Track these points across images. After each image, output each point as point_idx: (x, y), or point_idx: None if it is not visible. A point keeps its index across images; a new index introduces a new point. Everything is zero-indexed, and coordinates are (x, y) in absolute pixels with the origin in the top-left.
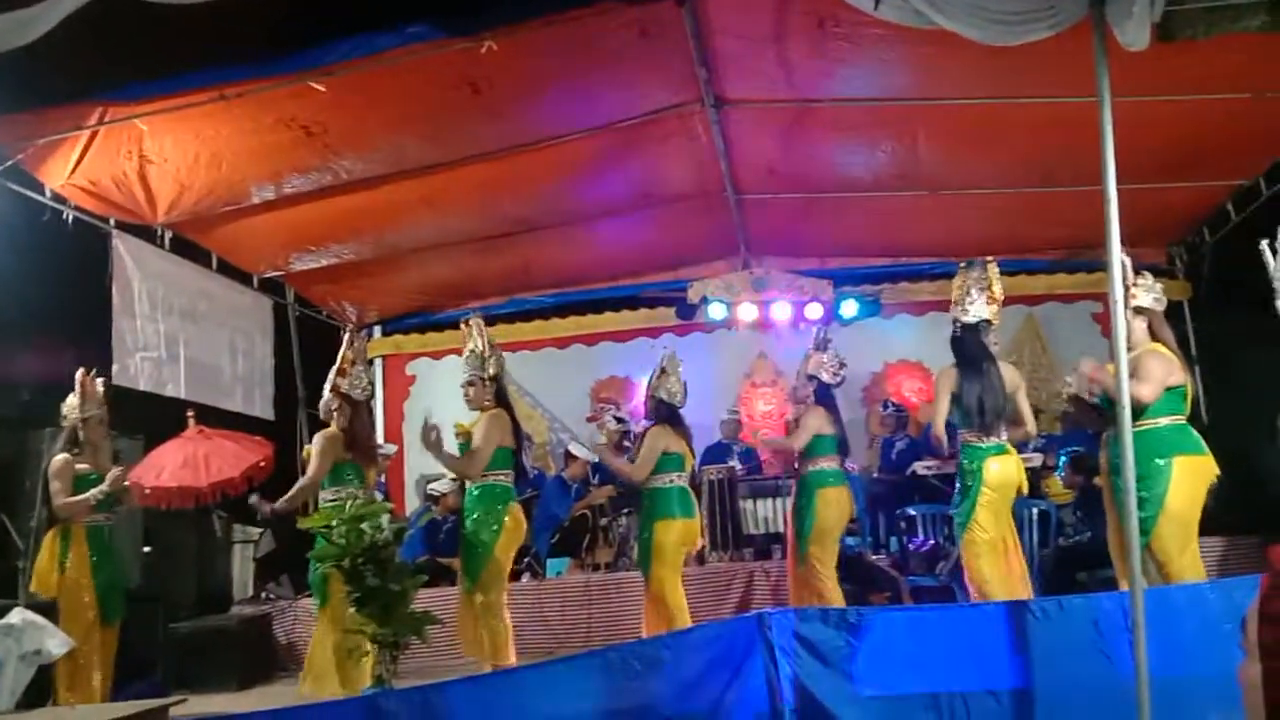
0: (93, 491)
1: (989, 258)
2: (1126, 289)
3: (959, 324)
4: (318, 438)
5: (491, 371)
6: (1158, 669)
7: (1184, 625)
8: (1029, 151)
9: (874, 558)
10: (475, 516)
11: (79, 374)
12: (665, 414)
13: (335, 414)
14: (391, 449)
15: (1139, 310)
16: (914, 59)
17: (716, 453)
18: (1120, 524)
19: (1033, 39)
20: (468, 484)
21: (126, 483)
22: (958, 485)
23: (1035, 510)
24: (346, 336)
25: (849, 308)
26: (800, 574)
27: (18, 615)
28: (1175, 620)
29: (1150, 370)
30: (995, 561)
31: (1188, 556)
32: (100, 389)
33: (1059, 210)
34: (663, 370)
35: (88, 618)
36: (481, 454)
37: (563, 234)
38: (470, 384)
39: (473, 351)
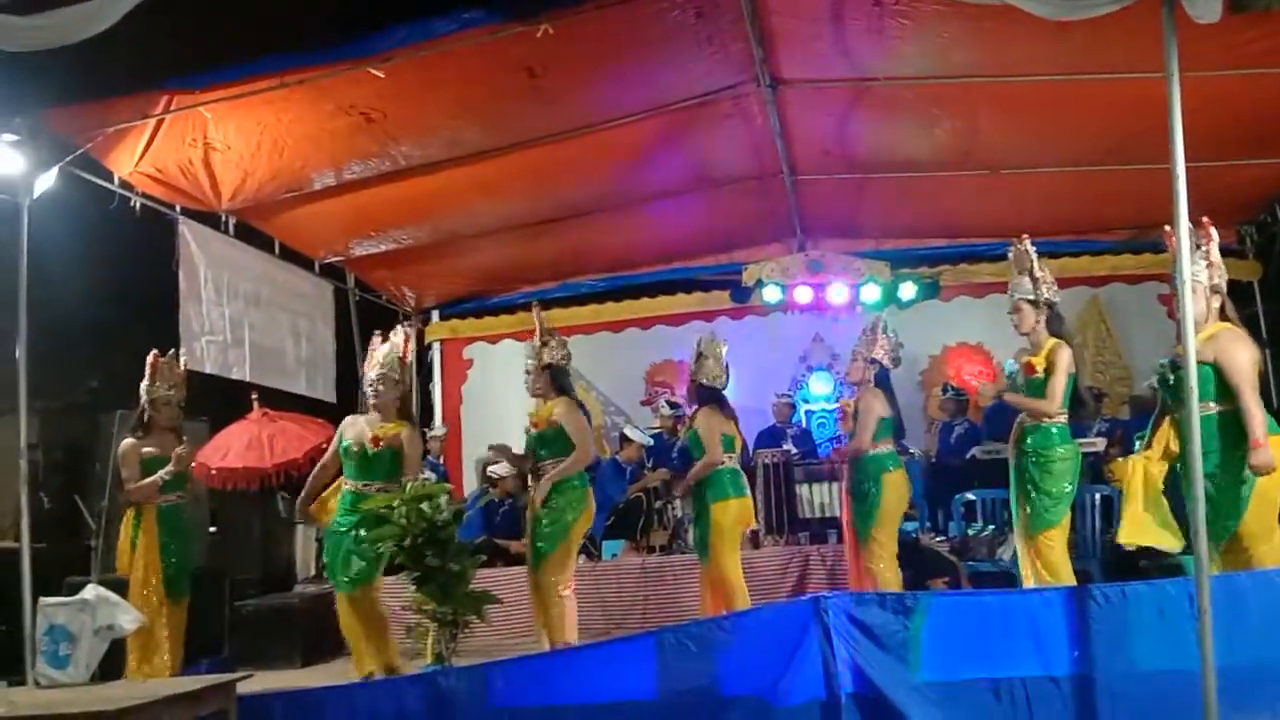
0: (159, 473)
1: (1023, 236)
2: (1211, 265)
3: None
4: (412, 434)
5: (545, 360)
6: (1224, 656)
7: (1252, 612)
8: (1093, 129)
9: (933, 542)
10: (560, 499)
11: (150, 355)
12: (708, 397)
13: (393, 405)
14: (443, 430)
15: (1215, 289)
16: (974, 35)
17: (770, 436)
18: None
19: (1098, 13)
20: (543, 471)
21: (194, 464)
22: (1037, 472)
23: (1098, 495)
24: (402, 331)
25: (907, 290)
26: (861, 558)
27: (91, 591)
28: (1243, 607)
29: (1243, 369)
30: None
31: (1276, 540)
32: (170, 370)
33: (1124, 189)
34: (700, 354)
35: (156, 595)
36: (586, 444)
37: (617, 217)
38: (527, 371)
39: (534, 340)
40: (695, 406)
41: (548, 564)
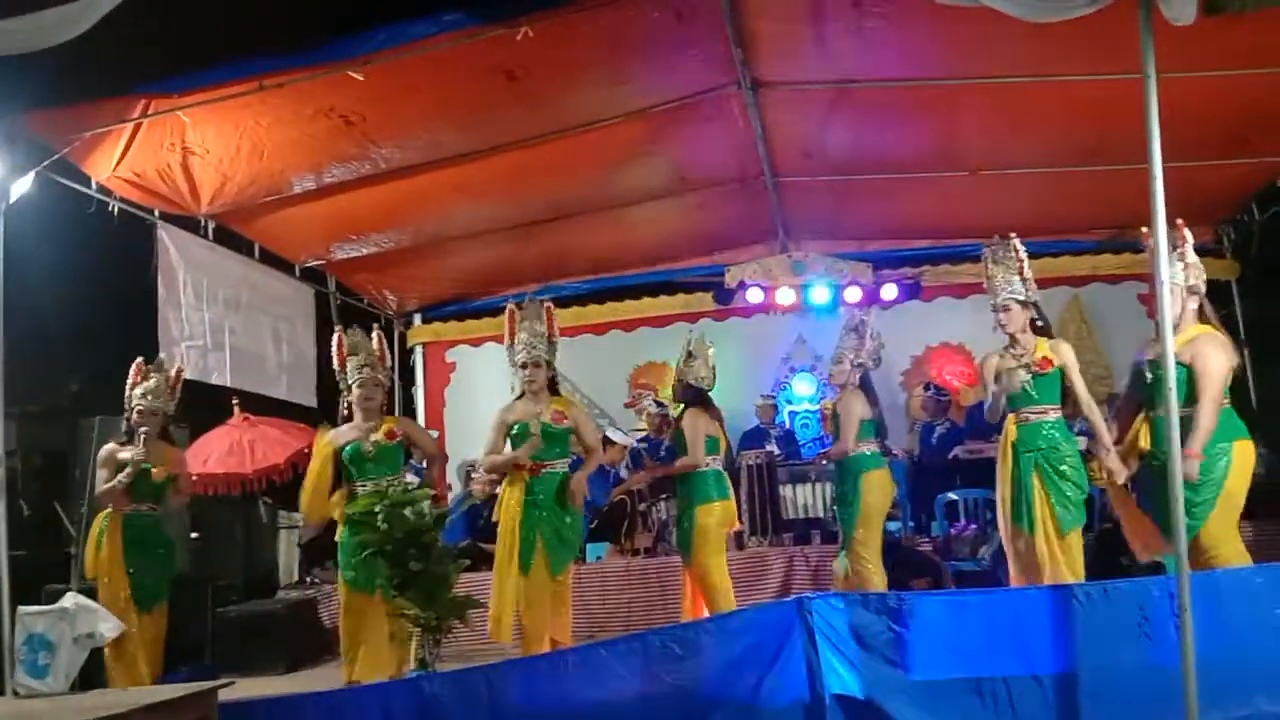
0: (120, 477)
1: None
2: (1187, 266)
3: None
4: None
5: (551, 357)
6: (1204, 653)
7: (1230, 610)
8: (1072, 130)
9: (916, 542)
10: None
11: (135, 363)
12: (695, 398)
13: (380, 407)
14: (432, 435)
15: (1192, 290)
16: (954, 37)
17: (754, 437)
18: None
19: (1075, 15)
20: (554, 470)
21: (174, 473)
22: (1063, 467)
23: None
24: (376, 331)
25: (889, 290)
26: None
27: (70, 599)
28: (1221, 605)
29: (1213, 376)
30: None
31: (1236, 542)
32: (151, 380)
33: (1103, 190)
34: (689, 354)
35: (120, 602)
36: (600, 447)
37: (599, 220)
38: (537, 365)
39: (539, 334)
40: (681, 407)
41: (570, 565)
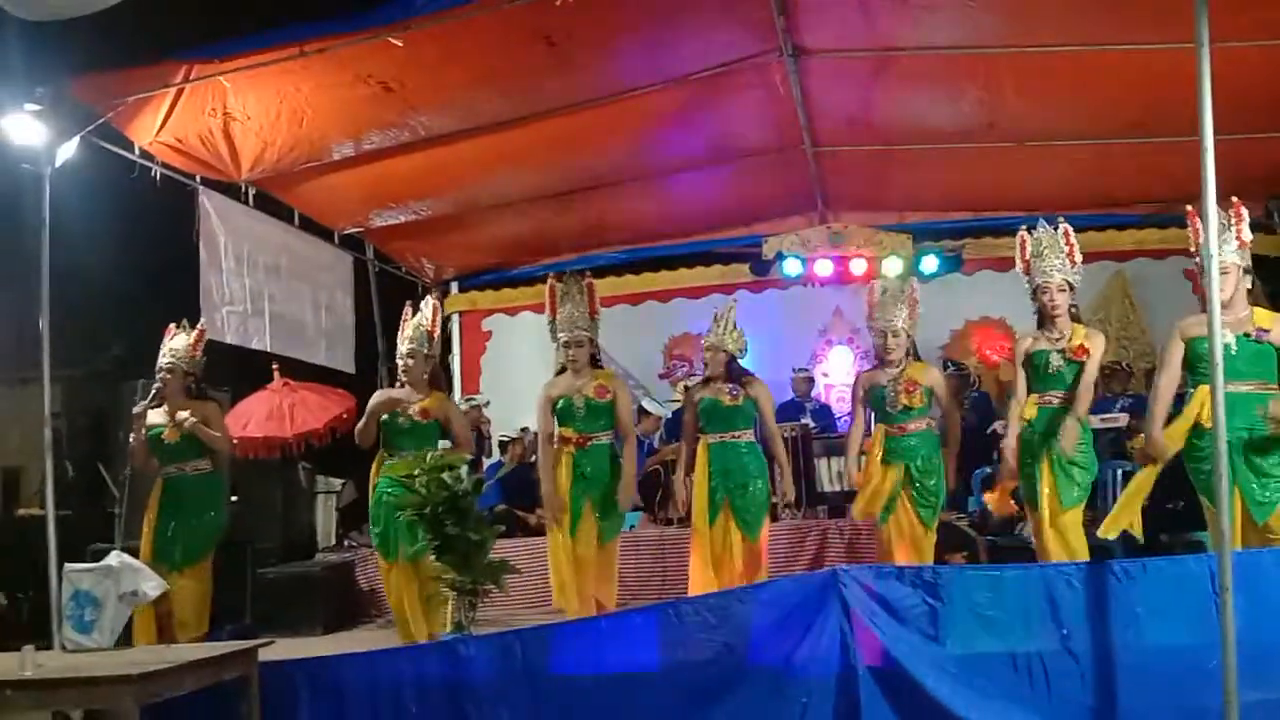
0: (132, 437)
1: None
2: (1243, 244)
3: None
4: (454, 404)
5: (596, 332)
6: (1245, 633)
7: (1273, 589)
8: (1120, 101)
9: (951, 516)
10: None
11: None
12: (744, 369)
13: (423, 379)
14: (484, 399)
15: (1247, 270)
16: (1000, 5)
17: (790, 410)
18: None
19: None
20: (599, 442)
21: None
22: (1076, 456)
23: (1120, 471)
24: (431, 302)
25: (929, 263)
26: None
27: (115, 558)
28: (1264, 584)
29: None
30: None
31: None
32: (175, 344)
33: (1150, 162)
34: (730, 324)
35: (147, 561)
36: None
37: (637, 189)
38: (579, 344)
39: (581, 311)
40: (741, 378)
41: (618, 535)
